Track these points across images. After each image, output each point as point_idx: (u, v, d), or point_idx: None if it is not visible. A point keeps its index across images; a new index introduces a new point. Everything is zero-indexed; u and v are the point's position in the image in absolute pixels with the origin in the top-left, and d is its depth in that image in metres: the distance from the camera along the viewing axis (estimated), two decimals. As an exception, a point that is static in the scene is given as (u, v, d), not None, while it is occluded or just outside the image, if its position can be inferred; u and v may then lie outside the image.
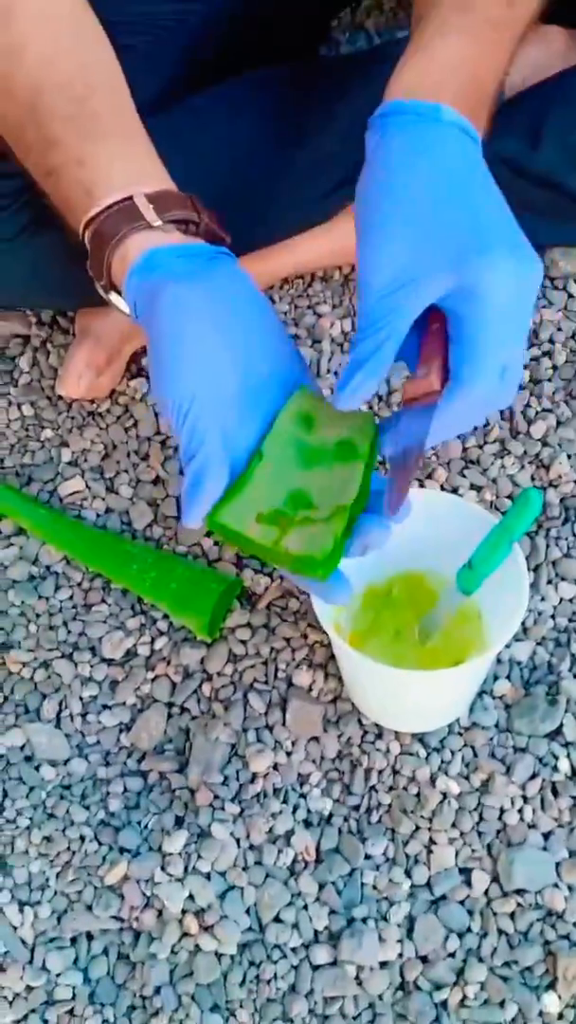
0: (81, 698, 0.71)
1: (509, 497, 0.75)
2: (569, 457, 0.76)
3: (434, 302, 0.47)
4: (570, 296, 0.84)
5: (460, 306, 0.46)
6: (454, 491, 0.75)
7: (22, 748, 0.69)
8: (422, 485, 0.76)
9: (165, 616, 0.73)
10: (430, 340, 0.49)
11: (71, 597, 0.75)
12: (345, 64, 0.89)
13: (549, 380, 0.80)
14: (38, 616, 0.75)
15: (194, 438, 0.49)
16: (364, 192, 0.50)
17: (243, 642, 0.72)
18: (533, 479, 0.76)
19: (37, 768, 0.68)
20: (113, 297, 0.56)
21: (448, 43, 0.51)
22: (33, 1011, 0.61)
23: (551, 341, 0.82)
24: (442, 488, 0.76)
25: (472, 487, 0.76)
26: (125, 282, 0.53)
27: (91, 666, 0.72)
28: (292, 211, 0.78)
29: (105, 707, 0.71)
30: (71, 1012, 0.61)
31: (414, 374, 0.49)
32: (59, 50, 0.58)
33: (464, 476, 0.76)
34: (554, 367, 0.81)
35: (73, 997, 0.62)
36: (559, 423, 0.78)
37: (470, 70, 0.51)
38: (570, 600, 0.71)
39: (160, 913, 0.63)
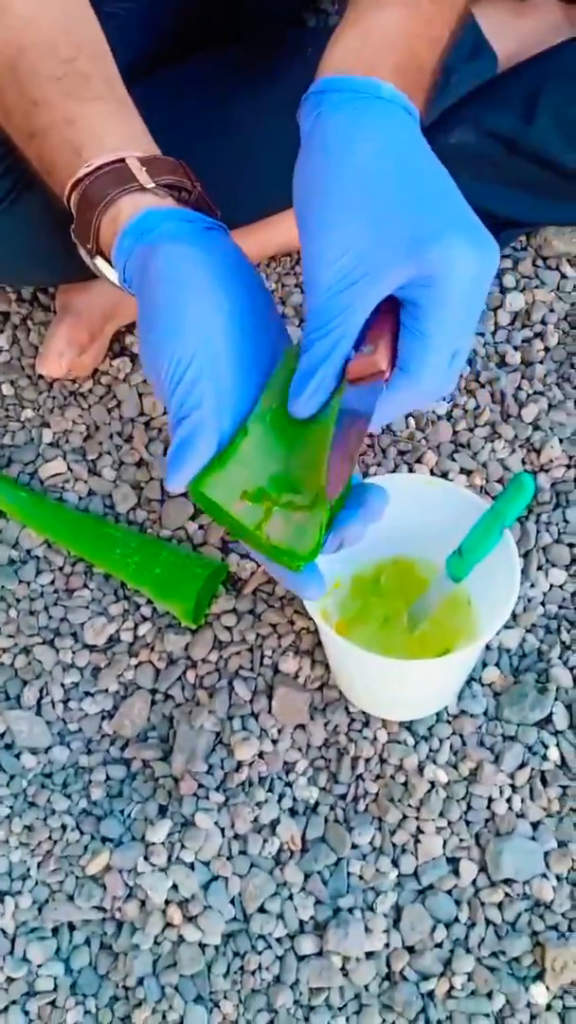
0: (63, 684, 0.70)
1: (500, 482, 0.74)
2: (561, 441, 0.75)
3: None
4: (563, 276, 0.82)
5: (416, 295, 0.44)
6: (444, 475, 0.74)
7: (2, 735, 0.68)
8: (411, 470, 0.75)
9: (149, 602, 0.72)
10: (380, 318, 0.46)
11: (52, 582, 0.74)
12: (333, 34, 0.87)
13: (541, 363, 0.78)
14: (18, 601, 0.73)
15: (189, 398, 0.46)
16: (302, 177, 0.47)
17: (228, 628, 0.70)
18: (524, 463, 0.75)
19: (17, 756, 0.67)
20: (99, 262, 0.54)
21: (384, 16, 0.48)
22: (14, 1002, 0.60)
23: (543, 322, 0.80)
24: (431, 472, 0.74)
25: (462, 471, 0.75)
26: (116, 244, 0.51)
27: (73, 652, 0.71)
28: (280, 184, 0.76)
29: (87, 694, 0.69)
30: (53, 1003, 0.60)
31: (360, 351, 0.45)
32: (41, 11, 0.56)
33: (454, 460, 0.75)
34: (546, 349, 0.79)
35: (55, 988, 0.61)
36: (551, 406, 0.77)
37: (408, 45, 0.48)
38: (560, 586, 0.70)
39: (143, 903, 0.62)
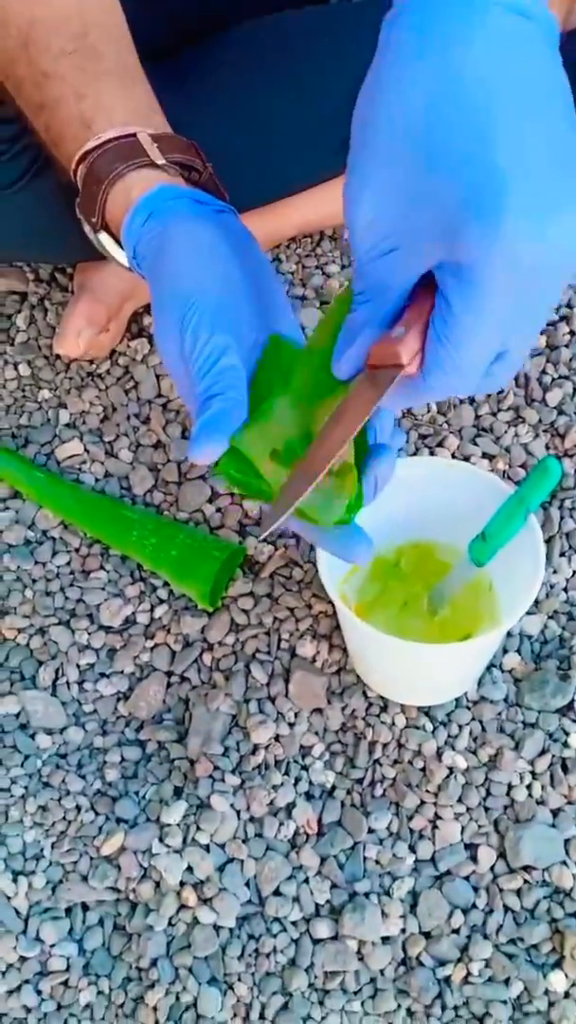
0: (78, 666, 0.69)
1: (523, 467, 0.73)
2: (584, 426, 0.74)
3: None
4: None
5: (447, 282, 0.36)
6: (466, 460, 0.73)
7: (17, 716, 0.68)
8: (432, 454, 0.74)
9: (165, 584, 0.72)
10: (420, 296, 0.39)
11: (69, 563, 0.73)
12: (358, 10, 0.86)
13: (566, 346, 0.77)
14: (34, 582, 0.73)
15: (218, 374, 0.45)
16: (358, 105, 0.37)
17: (245, 611, 0.70)
18: (548, 448, 0.74)
19: (32, 736, 0.67)
20: (103, 238, 0.53)
21: None
22: (27, 982, 0.60)
23: (569, 306, 0.79)
24: (453, 457, 0.74)
25: (484, 456, 0.74)
26: (126, 220, 0.50)
27: (89, 633, 0.70)
28: (305, 162, 0.75)
29: (103, 675, 0.69)
30: (65, 983, 0.60)
31: (387, 332, 0.39)
32: None
33: (476, 444, 0.74)
34: (571, 333, 0.78)
35: (67, 968, 0.60)
36: (575, 390, 0.76)
37: None
38: (582, 573, 0.70)
39: (158, 885, 0.61)
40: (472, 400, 0.76)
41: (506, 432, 0.74)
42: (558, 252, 0.33)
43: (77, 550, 0.74)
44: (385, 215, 0.36)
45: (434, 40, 0.33)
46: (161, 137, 0.52)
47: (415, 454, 0.74)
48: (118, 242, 0.52)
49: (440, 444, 0.74)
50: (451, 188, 0.33)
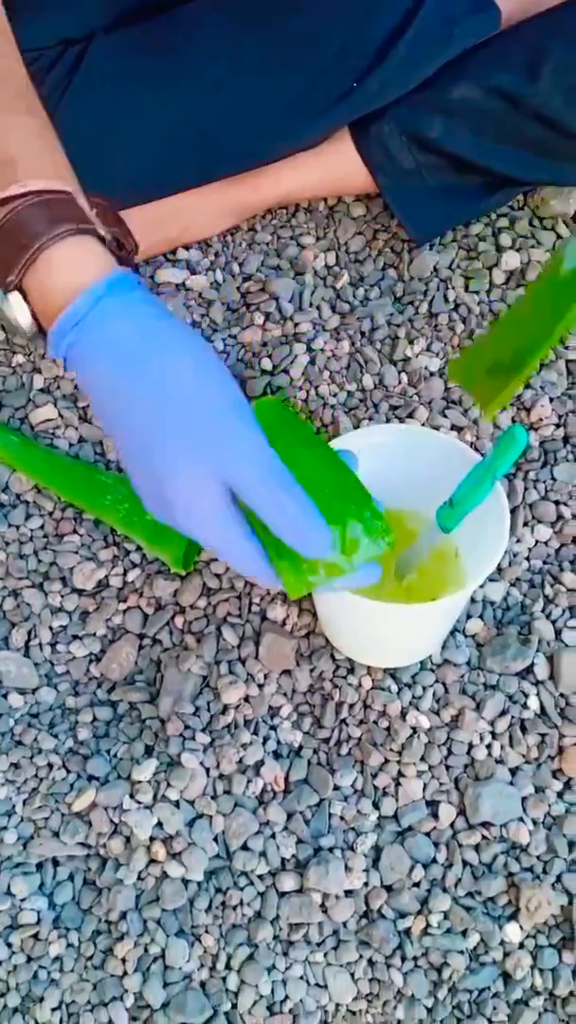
0: (51, 628, 0.70)
1: (490, 438, 0.75)
2: (551, 400, 0.76)
3: None
4: (559, 237, 0.83)
5: None
6: (435, 430, 0.74)
7: (-10, 675, 0.68)
8: (402, 422, 0.75)
9: (138, 548, 0.72)
10: None
11: (42, 526, 0.74)
12: None
13: (533, 322, 0.79)
14: (7, 544, 0.73)
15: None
16: None
17: (217, 576, 0.71)
18: (514, 421, 0.75)
19: (5, 696, 0.68)
20: (13, 300, 0.46)
21: None
22: (-2, 934, 0.61)
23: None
24: (422, 427, 0.75)
25: (453, 428, 0.75)
26: (74, 302, 0.44)
27: (62, 596, 0.71)
28: (285, 130, 0.75)
29: (75, 637, 0.70)
30: (35, 936, 0.61)
31: None
32: None
33: (445, 416, 0.76)
34: (539, 309, 0.80)
35: (38, 921, 0.62)
36: (542, 365, 0.77)
37: None
38: (545, 543, 0.72)
39: (128, 840, 0.63)
40: (442, 373, 0.77)
41: (474, 404, 0.76)
42: None
43: (51, 513, 0.74)
44: None
45: None
46: (94, 202, 0.47)
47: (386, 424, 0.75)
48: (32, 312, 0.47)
49: (410, 415, 0.76)
50: None
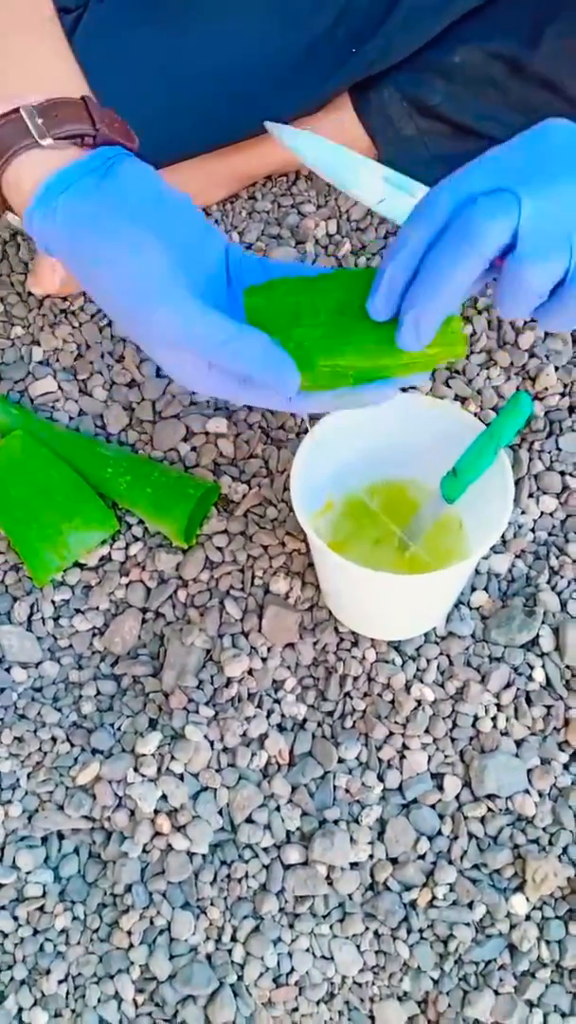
0: (53, 602, 0.70)
1: (494, 409, 0.74)
2: (557, 369, 0.75)
3: None
4: (564, 203, 0.81)
5: None
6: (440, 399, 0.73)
7: (-8, 650, 0.68)
8: (405, 392, 0.74)
9: (140, 522, 0.72)
10: None
11: (43, 500, 0.73)
12: None
13: (539, 289, 0.78)
14: (9, 519, 0.72)
15: (244, 347, 0.45)
16: None
17: (220, 549, 0.70)
18: (519, 391, 0.74)
19: (8, 670, 0.67)
20: (10, 218, 0.51)
21: None
22: (3, 908, 0.61)
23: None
24: (426, 398, 0.74)
25: (456, 398, 0.74)
26: (25, 218, 0.48)
27: (64, 570, 0.70)
28: (284, 96, 0.74)
29: (78, 611, 0.69)
30: (41, 909, 0.61)
31: None
32: None
33: (449, 387, 0.75)
34: (545, 276, 0.78)
35: (43, 895, 0.62)
36: (547, 334, 0.76)
37: None
38: (551, 514, 0.71)
39: (132, 813, 0.63)
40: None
41: (478, 374, 0.75)
42: None
43: (51, 488, 0.74)
44: None
45: None
46: (48, 108, 0.49)
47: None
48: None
49: (413, 387, 0.75)
50: None
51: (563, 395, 0.74)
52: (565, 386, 0.74)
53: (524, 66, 0.75)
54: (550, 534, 0.70)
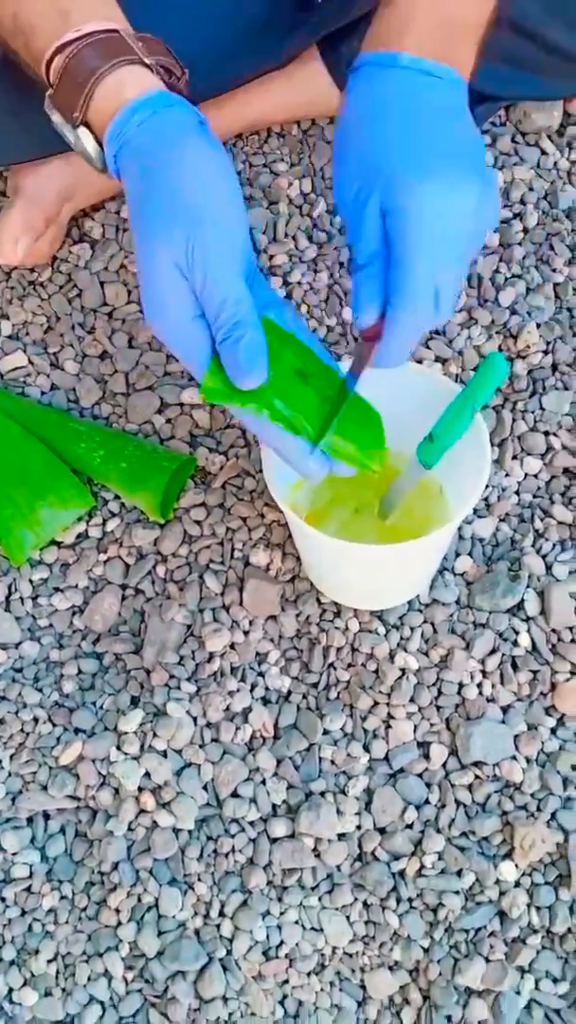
0: (31, 581, 0.69)
1: (475, 370, 0.72)
2: (539, 326, 0.73)
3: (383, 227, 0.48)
4: (543, 153, 0.79)
5: (393, 226, 0.47)
6: (418, 364, 0.72)
7: (-30, 632, 0.67)
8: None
9: (116, 497, 0.71)
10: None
11: (17, 478, 0.72)
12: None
13: (519, 244, 0.76)
14: (-17, 498, 0.71)
15: (235, 304, 0.47)
16: (335, 133, 0.52)
17: (198, 522, 0.69)
18: (500, 349, 0.73)
19: (-13, 652, 0.67)
20: (82, 133, 0.51)
21: None
22: (-10, 889, 0.61)
23: (522, 202, 0.77)
24: (405, 360, 0.72)
25: (437, 359, 0.73)
26: (118, 118, 0.49)
27: (40, 549, 0.69)
28: (249, 50, 0.71)
29: (57, 590, 0.68)
30: (28, 889, 0.61)
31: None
32: None
33: (428, 348, 0.73)
34: (524, 230, 0.76)
35: (31, 875, 0.61)
36: (529, 290, 0.74)
37: (440, 12, 0.51)
38: (535, 476, 0.69)
39: (116, 791, 0.62)
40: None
41: (458, 335, 0.73)
42: (469, 196, 0.46)
43: (25, 465, 0.72)
44: (350, 180, 0.48)
45: (378, 87, 0.49)
46: (142, 38, 0.51)
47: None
48: (97, 140, 0.51)
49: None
50: (391, 158, 0.47)
51: (546, 352, 0.72)
52: (548, 343, 0.73)
53: (500, 13, 0.72)
54: (535, 496, 0.69)
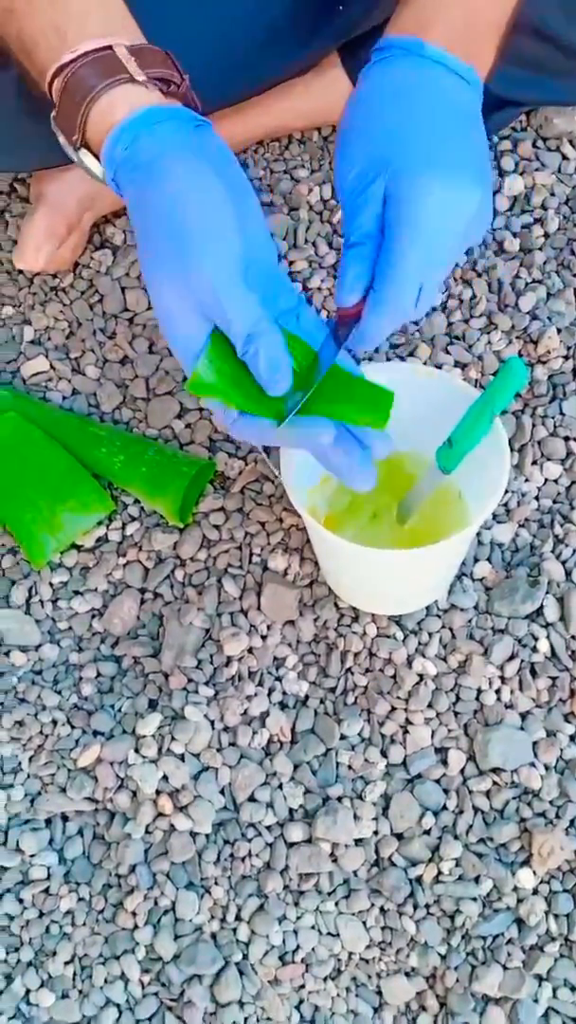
0: (51, 584, 0.69)
1: (495, 375, 0.72)
2: (559, 331, 0.72)
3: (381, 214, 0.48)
4: (564, 158, 0.79)
5: (393, 213, 0.47)
6: (438, 369, 0.72)
7: (-9, 634, 0.68)
8: (403, 361, 0.72)
9: (136, 501, 0.71)
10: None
11: (39, 482, 0.72)
12: None
13: (540, 249, 0.75)
14: (5, 501, 0.72)
15: (256, 318, 0.46)
16: (342, 116, 0.52)
17: (217, 527, 0.69)
18: (520, 355, 0.72)
19: (7, 654, 0.67)
20: (84, 155, 0.51)
21: None
22: (8, 891, 0.61)
23: (543, 207, 0.77)
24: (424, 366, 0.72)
25: (456, 364, 0.72)
26: (107, 144, 0.48)
27: (61, 552, 0.70)
28: (269, 57, 0.72)
29: (76, 593, 0.69)
30: (46, 891, 0.61)
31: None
32: None
33: (448, 353, 0.73)
34: (545, 235, 0.76)
35: (48, 877, 0.62)
36: (549, 295, 0.74)
37: (465, 7, 0.52)
38: (555, 481, 0.69)
39: (134, 794, 0.62)
40: (444, 307, 0.74)
41: (478, 340, 0.73)
42: (463, 198, 0.47)
43: (46, 469, 0.73)
44: (353, 169, 0.49)
45: (397, 75, 0.50)
46: (137, 51, 0.50)
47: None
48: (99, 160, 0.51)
49: (412, 353, 0.73)
50: (395, 152, 0.47)
51: (566, 358, 0.72)
52: (568, 348, 0.72)
53: (518, 17, 0.72)
54: (554, 501, 0.68)
